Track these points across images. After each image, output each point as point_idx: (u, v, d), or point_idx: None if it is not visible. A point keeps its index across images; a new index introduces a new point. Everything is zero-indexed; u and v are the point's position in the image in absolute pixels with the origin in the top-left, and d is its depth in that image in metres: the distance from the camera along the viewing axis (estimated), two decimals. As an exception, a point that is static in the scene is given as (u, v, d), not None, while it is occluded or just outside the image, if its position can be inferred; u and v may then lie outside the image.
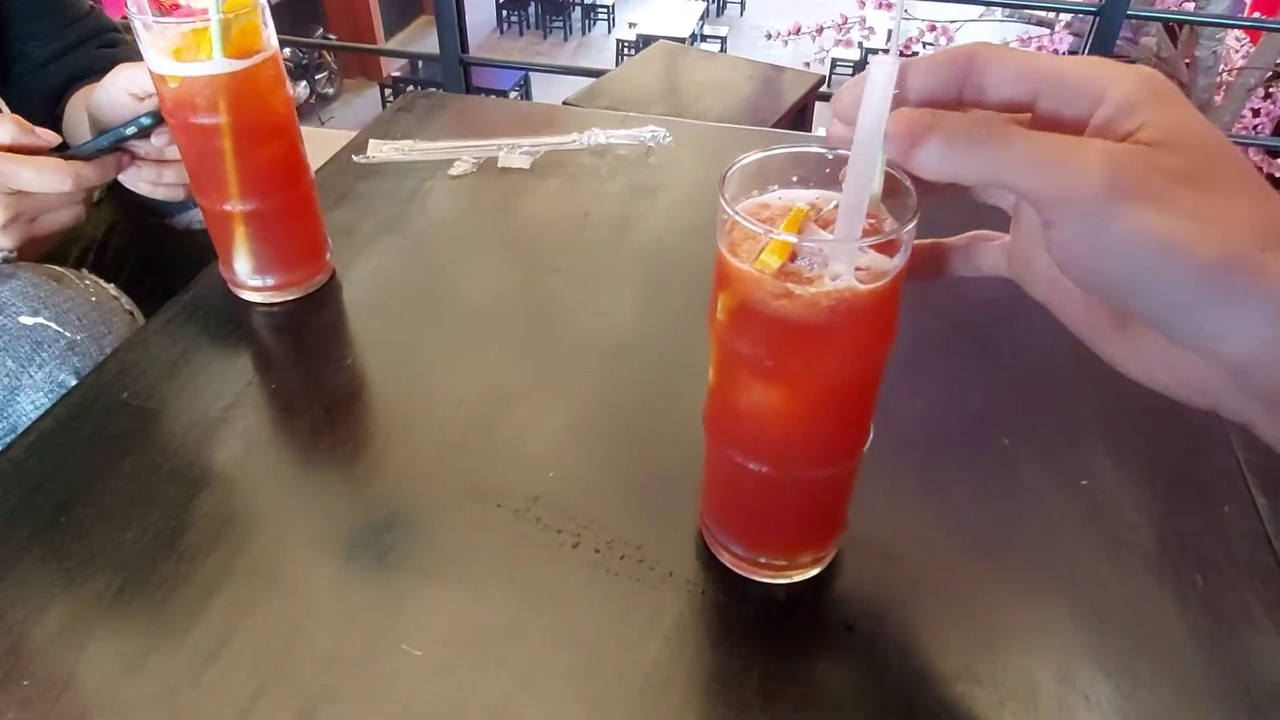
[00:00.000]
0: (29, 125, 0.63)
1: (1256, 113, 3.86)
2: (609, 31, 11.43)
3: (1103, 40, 1.96)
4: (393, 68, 9.63)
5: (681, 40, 10.07)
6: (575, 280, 0.70)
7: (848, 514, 0.46)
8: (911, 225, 0.35)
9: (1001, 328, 0.67)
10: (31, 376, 0.57)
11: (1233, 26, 3.29)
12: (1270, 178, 3.67)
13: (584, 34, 11.68)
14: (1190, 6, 3.16)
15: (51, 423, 0.55)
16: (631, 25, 10.55)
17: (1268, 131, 3.85)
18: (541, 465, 0.53)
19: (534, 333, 0.64)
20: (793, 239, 0.34)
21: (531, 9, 11.62)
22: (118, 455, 0.53)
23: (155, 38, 0.54)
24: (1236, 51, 3.83)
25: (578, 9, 11.54)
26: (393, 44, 10.45)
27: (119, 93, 0.68)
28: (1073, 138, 0.29)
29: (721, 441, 0.42)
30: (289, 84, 0.60)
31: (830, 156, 0.38)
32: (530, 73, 9.36)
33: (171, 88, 0.55)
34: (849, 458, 0.42)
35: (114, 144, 0.63)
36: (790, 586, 0.45)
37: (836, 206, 0.35)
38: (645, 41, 10.07)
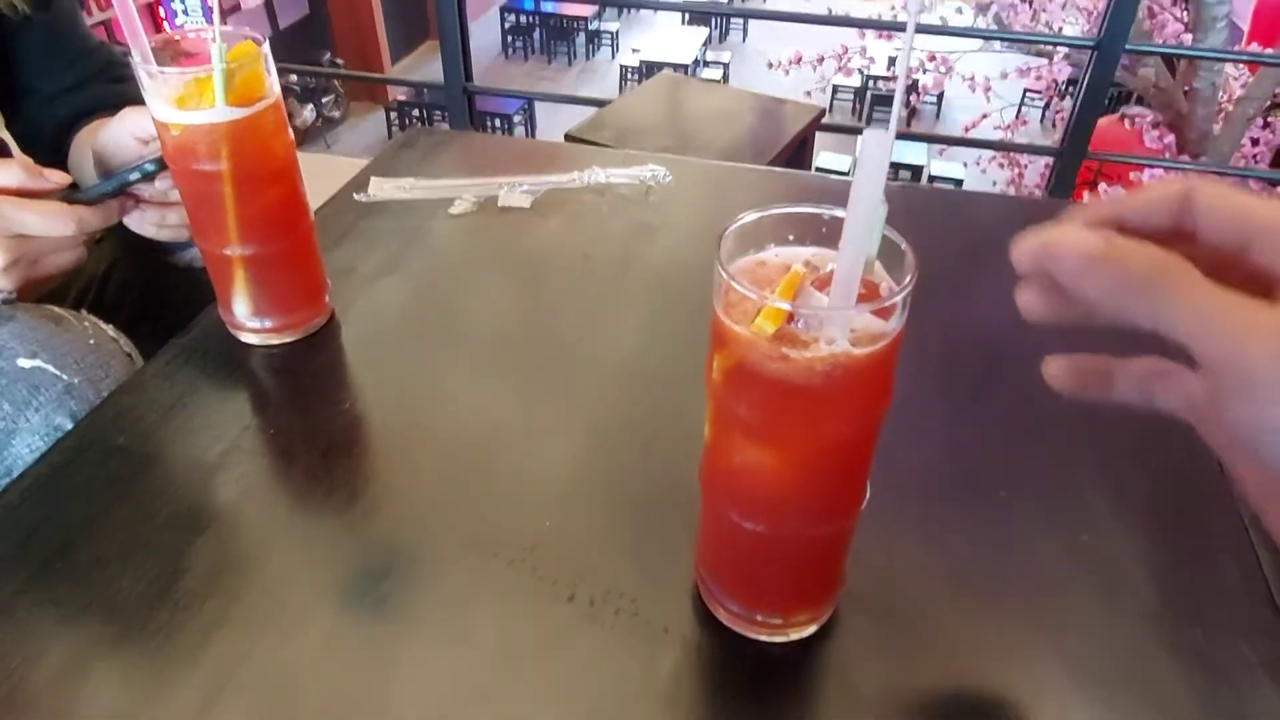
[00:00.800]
0: (37, 168, 0.63)
1: (1256, 142, 3.88)
2: (613, 57, 11.53)
3: (1101, 73, 1.97)
4: (399, 92, 9.70)
5: (685, 66, 10.15)
6: (574, 324, 0.70)
7: (845, 570, 0.46)
8: (906, 289, 0.35)
9: (1000, 376, 0.67)
10: (28, 420, 0.57)
11: (1229, 60, 3.31)
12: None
13: (588, 59, 11.78)
14: (1188, 38, 3.19)
15: (46, 468, 0.55)
16: (635, 51, 10.64)
17: (1267, 161, 3.87)
18: (538, 514, 0.52)
19: (532, 376, 0.64)
20: (787, 306, 0.34)
21: (536, 34, 11.73)
22: (113, 500, 0.53)
23: (159, 86, 0.55)
24: (1235, 79, 3.86)
25: (582, 35, 11.64)
26: (399, 68, 10.54)
27: (125, 136, 0.68)
28: (1254, 302, 0.27)
29: (717, 499, 0.42)
30: (290, 129, 0.61)
31: (826, 216, 0.39)
32: (531, 102, 9.43)
33: (173, 135, 0.56)
34: (845, 517, 0.42)
35: (118, 189, 0.63)
36: (787, 644, 0.45)
37: (833, 269, 0.35)
38: (648, 67, 10.16)
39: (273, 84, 0.58)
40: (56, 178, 0.64)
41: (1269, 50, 3.42)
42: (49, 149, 0.84)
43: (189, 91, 0.55)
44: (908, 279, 0.35)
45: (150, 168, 0.62)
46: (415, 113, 9.48)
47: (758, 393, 0.36)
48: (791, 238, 0.40)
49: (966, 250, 0.84)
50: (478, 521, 0.52)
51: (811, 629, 0.45)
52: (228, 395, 0.62)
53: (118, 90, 0.86)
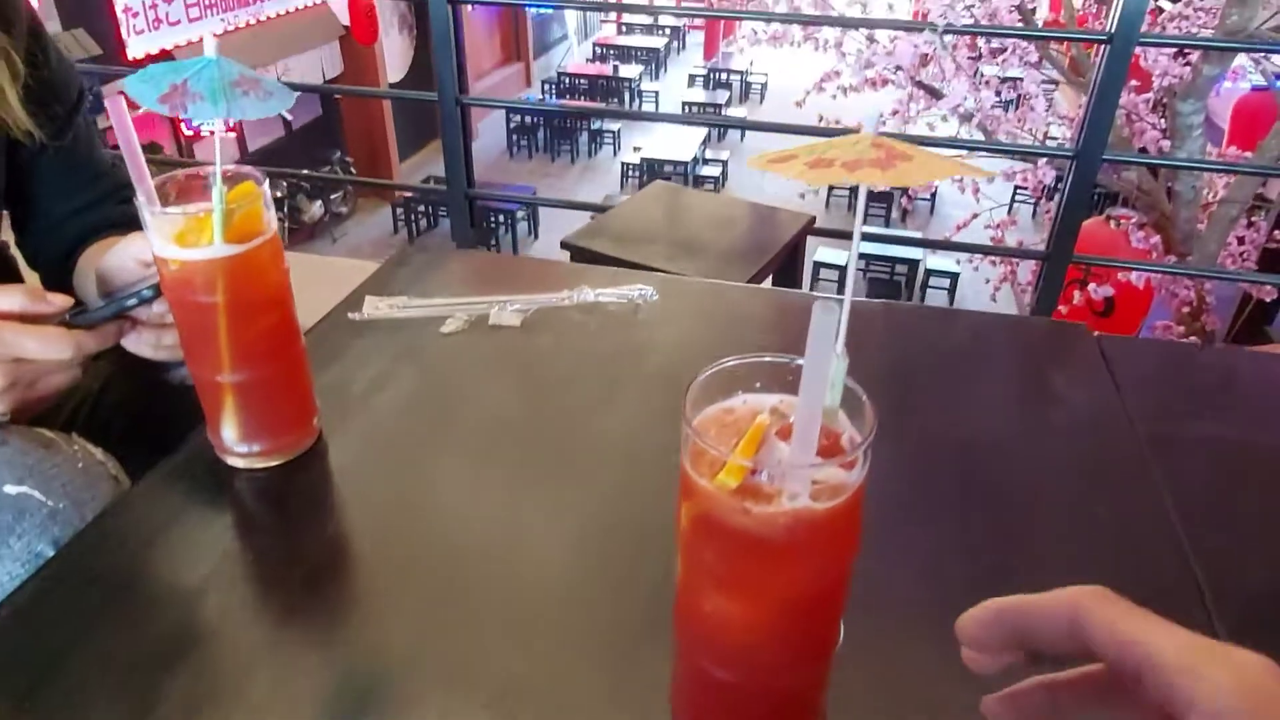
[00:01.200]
0: (40, 292, 0.65)
1: (1241, 240, 3.96)
2: (614, 154, 11.89)
3: (1081, 181, 2.04)
4: (405, 188, 9.99)
5: (684, 164, 10.45)
6: (558, 450, 0.70)
7: (824, 707, 0.45)
8: (866, 443, 0.36)
9: (980, 493, 0.67)
10: (10, 547, 0.58)
11: (1202, 169, 3.41)
12: (1260, 304, 3.73)
13: (590, 157, 12.15)
14: (1167, 145, 3.30)
15: (24, 598, 0.55)
16: (636, 149, 10.98)
17: (1254, 259, 3.94)
18: (518, 650, 0.52)
19: (516, 499, 0.65)
20: (748, 464, 0.35)
21: (540, 133, 12.13)
22: (87, 634, 0.53)
23: (160, 223, 0.57)
24: (1219, 178, 3.96)
25: (585, 133, 12.04)
26: (408, 164, 10.86)
27: (128, 259, 0.71)
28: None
29: (689, 645, 0.42)
30: (285, 259, 0.63)
31: (792, 365, 0.40)
32: (532, 198, 9.70)
33: (172, 269, 0.58)
34: (817, 663, 0.42)
35: (115, 314, 0.65)
36: (762, 792, 0.44)
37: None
38: (649, 165, 10.46)
39: (270, 219, 0.60)
40: (59, 301, 0.65)
41: (1242, 160, 3.53)
42: (57, 265, 0.87)
43: (189, 228, 0.58)
44: (868, 433, 0.36)
45: (148, 294, 0.64)
46: (421, 208, 9.72)
47: (723, 544, 0.37)
48: (759, 385, 0.41)
49: (947, 367, 0.86)
50: (456, 657, 0.52)
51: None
52: (211, 520, 0.62)
53: (125, 211, 0.90)
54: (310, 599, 0.56)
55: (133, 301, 0.64)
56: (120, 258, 0.72)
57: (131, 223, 0.79)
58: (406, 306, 0.87)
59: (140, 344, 0.69)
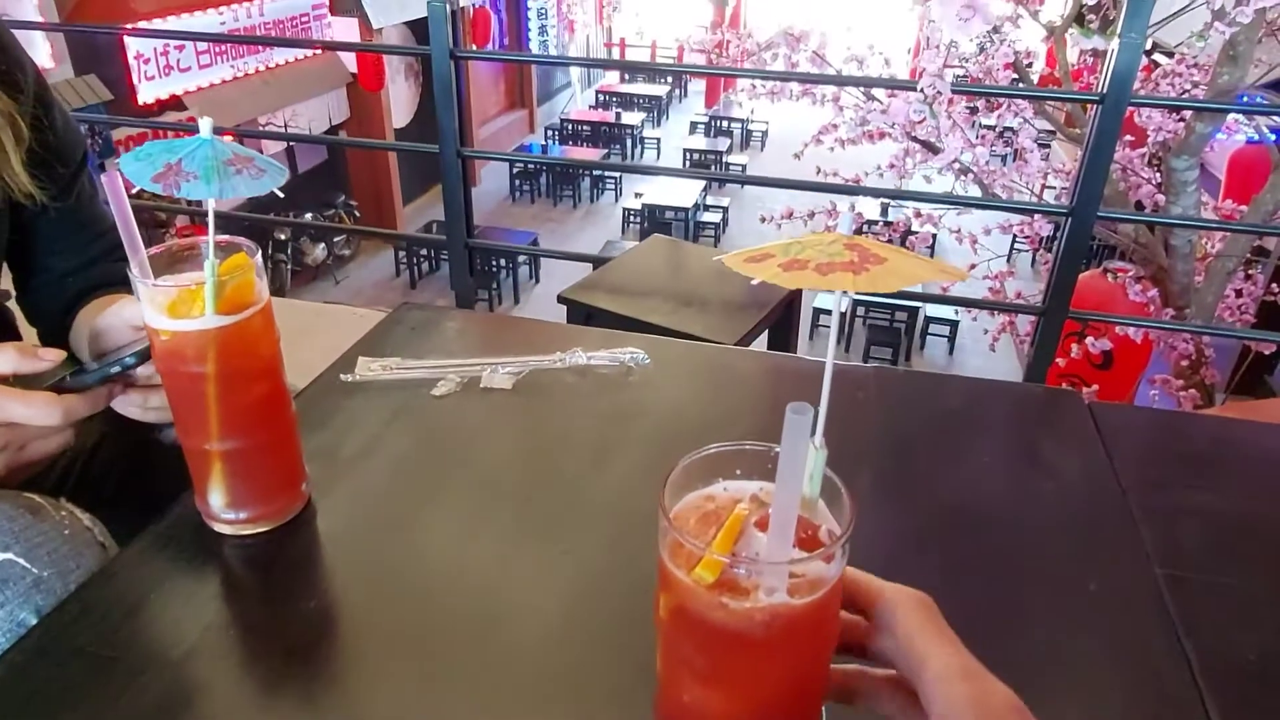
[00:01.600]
0: (32, 350, 0.65)
1: (1239, 293, 3.98)
2: (616, 200, 12.01)
3: (1076, 237, 2.05)
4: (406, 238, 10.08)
5: (685, 210, 10.55)
6: (547, 513, 0.70)
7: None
8: (845, 538, 0.36)
9: (974, 558, 0.67)
10: (-8, 616, 0.57)
11: (1197, 227, 3.44)
12: (1260, 355, 3.73)
13: (592, 202, 12.27)
14: (1163, 199, 3.33)
15: (4, 669, 0.54)
16: (638, 195, 11.09)
17: (1251, 311, 3.96)
18: (506, 713, 0.52)
19: (502, 568, 0.65)
20: (725, 559, 0.35)
21: (543, 179, 12.27)
22: (67, 709, 0.52)
23: (152, 294, 0.58)
24: (1215, 232, 3.99)
25: (586, 179, 12.18)
26: (411, 207, 10.96)
27: (120, 323, 0.72)
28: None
29: None
30: (276, 328, 0.64)
31: (771, 452, 0.40)
32: (536, 243, 9.80)
33: (163, 339, 0.59)
34: None
35: (100, 380, 0.65)
36: None
37: None
38: (650, 211, 10.55)
39: (262, 289, 0.61)
40: (50, 356, 0.66)
41: (1234, 219, 3.56)
42: (56, 321, 0.87)
43: (181, 299, 0.58)
44: (847, 525, 0.36)
45: (130, 361, 0.64)
46: (423, 252, 9.79)
47: (700, 637, 0.37)
48: (739, 472, 0.41)
49: (938, 432, 0.86)
50: (435, 734, 0.51)
51: None
52: (196, 589, 0.62)
53: (122, 270, 0.91)
54: (295, 670, 0.55)
55: (115, 369, 0.64)
56: (112, 319, 0.72)
57: (129, 282, 0.80)
58: (399, 368, 0.87)
59: (127, 405, 0.70)
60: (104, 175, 0.56)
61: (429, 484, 0.74)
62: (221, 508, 0.64)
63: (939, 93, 1.98)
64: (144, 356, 0.64)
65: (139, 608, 0.59)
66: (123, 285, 0.76)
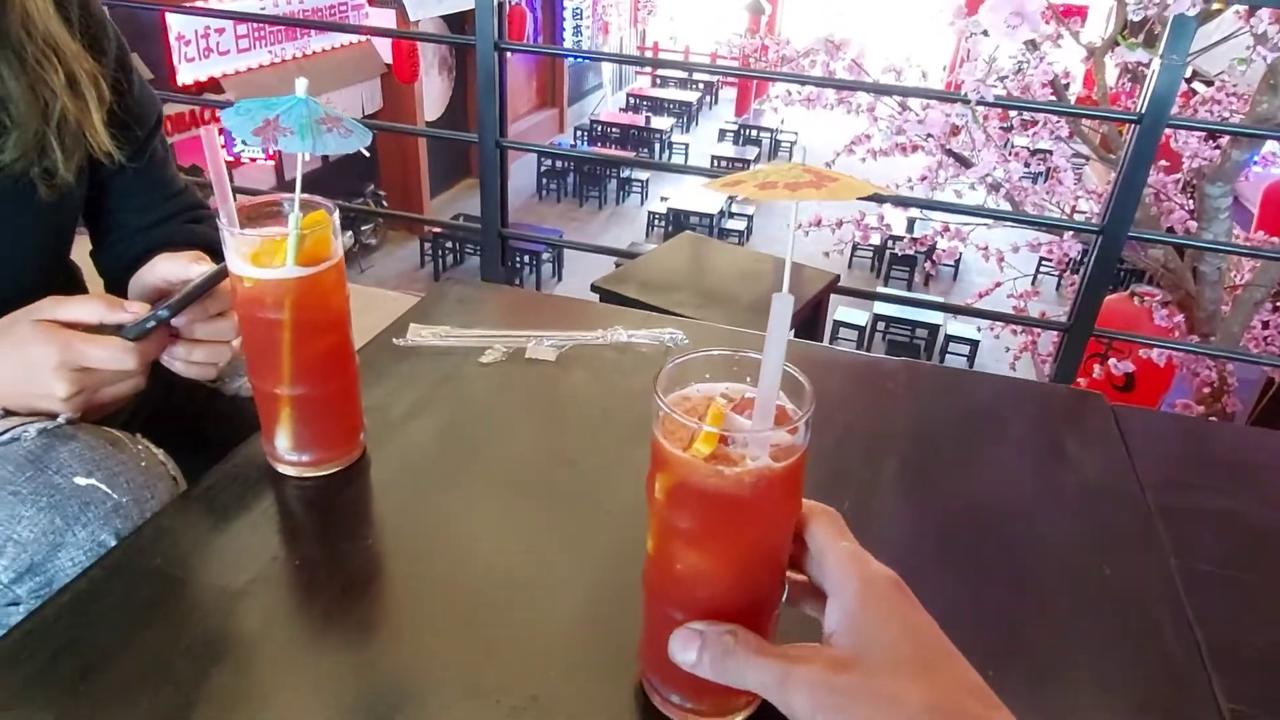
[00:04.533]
0: (118, 301, 0.69)
1: (1266, 325, 3.95)
2: (641, 203, 12.06)
3: (1106, 256, 2.07)
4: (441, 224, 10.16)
5: (711, 216, 10.59)
6: (590, 475, 0.74)
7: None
8: (808, 413, 0.43)
9: (996, 550, 0.70)
10: (75, 535, 0.61)
11: (1228, 252, 3.43)
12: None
13: (618, 204, 12.33)
14: (1194, 226, 3.32)
15: (86, 584, 0.58)
16: (664, 199, 11.13)
17: (1279, 344, 3.93)
18: (544, 661, 0.55)
19: (547, 524, 0.68)
20: (720, 432, 0.42)
21: (570, 178, 12.35)
22: (141, 625, 0.56)
23: (238, 243, 0.62)
24: (1245, 261, 3.97)
25: (614, 181, 12.24)
26: (438, 201, 11.07)
27: (153, 278, 0.76)
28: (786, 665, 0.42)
29: (659, 601, 0.49)
30: (347, 285, 0.67)
31: (736, 357, 0.47)
32: (563, 240, 9.84)
33: (245, 286, 0.62)
34: (768, 610, 0.49)
35: (138, 335, 0.68)
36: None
37: (745, 397, 0.45)
38: (675, 215, 10.59)
39: (337, 246, 0.65)
40: (135, 308, 0.70)
41: (1267, 246, 3.55)
42: (121, 276, 0.92)
43: (264, 249, 0.62)
44: (808, 405, 0.43)
45: (163, 314, 0.68)
46: (448, 244, 9.87)
47: (695, 504, 0.44)
48: (708, 376, 0.48)
49: (964, 428, 0.89)
50: (484, 666, 0.54)
51: (747, 711, 0.51)
52: (260, 524, 0.66)
53: (192, 230, 0.95)
54: (348, 608, 0.59)
55: (151, 323, 0.68)
56: (145, 277, 0.76)
57: (194, 241, 0.83)
58: (448, 336, 0.91)
59: (171, 358, 0.73)
60: (201, 130, 0.59)
61: (475, 445, 0.77)
62: (287, 449, 0.68)
63: (982, 98, 2.00)
64: (176, 309, 0.67)
65: (209, 537, 0.63)
66: (186, 246, 0.79)
